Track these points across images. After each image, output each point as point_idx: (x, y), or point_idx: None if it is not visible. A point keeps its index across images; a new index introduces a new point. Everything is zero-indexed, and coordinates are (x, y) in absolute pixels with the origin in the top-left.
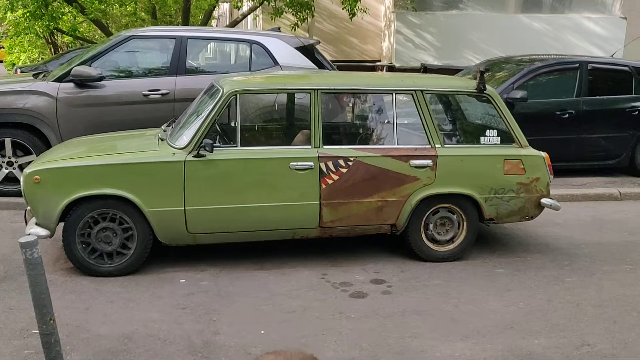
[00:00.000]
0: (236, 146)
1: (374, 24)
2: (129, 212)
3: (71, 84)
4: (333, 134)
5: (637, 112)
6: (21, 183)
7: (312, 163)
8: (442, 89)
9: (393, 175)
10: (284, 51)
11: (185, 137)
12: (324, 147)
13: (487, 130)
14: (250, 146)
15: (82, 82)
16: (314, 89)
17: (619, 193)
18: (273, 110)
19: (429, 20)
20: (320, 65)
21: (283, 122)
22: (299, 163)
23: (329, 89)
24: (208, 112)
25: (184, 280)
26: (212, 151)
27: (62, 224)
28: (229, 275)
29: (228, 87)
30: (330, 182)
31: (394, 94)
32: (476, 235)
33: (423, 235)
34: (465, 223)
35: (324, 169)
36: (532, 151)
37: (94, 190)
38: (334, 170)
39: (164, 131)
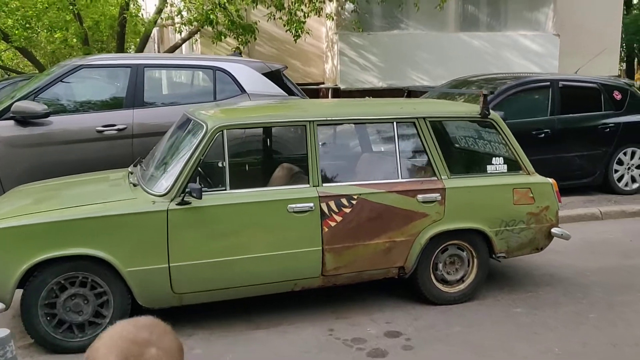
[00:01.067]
0: (225, 189)
1: (316, 45)
2: (103, 273)
3: (11, 122)
4: (331, 170)
5: (608, 129)
6: None
7: (312, 204)
8: (445, 115)
9: (400, 213)
10: (250, 77)
11: (165, 181)
12: (324, 185)
13: (494, 158)
14: (241, 188)
15: (25, 119)
16: (310, 121)
17: (599, 212)
18: (261, 145)
19: (371, 41)
20: (289, 91)
21: (275, 159)
22: (297, 205)
23: (326, 120)
24: (191, 151)
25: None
26: (200, 197)
27: (19, 291)
28: (223, 339)
29: (213, 122)
30: (332, 224)
31: (394, 123)
32: (487, 273)
33: (432, 276)
34: (475, 260)
35: (325, 210)
36: (539, 178)
37: (59, 251)
38: (337, 211)
39: (131, 173)
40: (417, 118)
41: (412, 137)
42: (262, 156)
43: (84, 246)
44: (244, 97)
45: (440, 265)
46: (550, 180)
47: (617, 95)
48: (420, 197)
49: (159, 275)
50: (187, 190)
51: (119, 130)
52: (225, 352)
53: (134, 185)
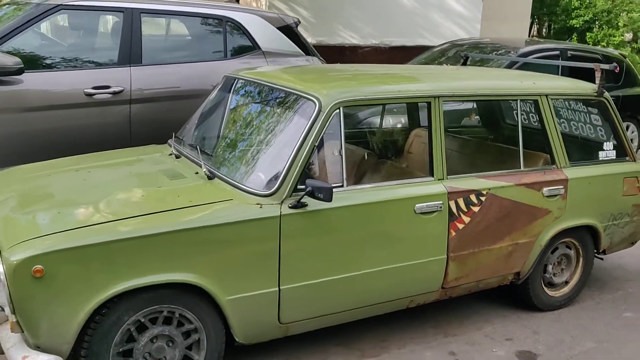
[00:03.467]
0: (341, 185)
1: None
2: (195, 305)
3: None
4: (451, 158)
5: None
6: (2, 277)
7: (440, 202)
8: (565, 92)
9: (525, 210)
10: (265, 32)
11: (263, 174)
12: (448, 178)
13: (605, 144)
14: (358, 184)
15: None
16: (435, 96)
17: None
18: (369, 126)
19: None
20: (306, 50)
21: (388, 143)
22: (425, 204)
23: (452, 95)
24: (302, 136)
25: None
26: (331, 199)
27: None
28: None
29: (328, 98)
30: (460, 226)
31: (518, 101)
32: (590, 273)
33: (541, 280)
34: (581, 259)
35: (453, 209)
36: None
37: (141, 278)
38: (465, 210)
39: (177, 156)
40: (539, 95)
41: (533, 117)
42: (372, 140)
43: (171, 270)
44: (258, 55)
45: (550, 267)
46: None
47: (617, 69)
48: (545, 190)
49: (266, 302)
50: (307, 189)
51: (114, 93)
52: None
53: (209, 177)
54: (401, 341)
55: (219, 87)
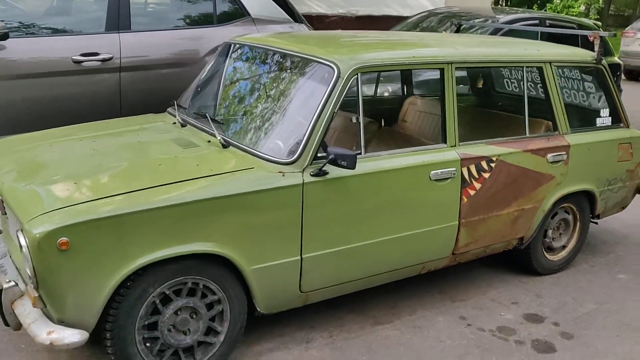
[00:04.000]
0: (359, 153)
1: None
2: (219, 276)
3: None
4: (461, 125)
5: None
6: (24, 250)
7: (454, 169)
8: (566, 60)
9: (532, 176)
10: None
11: (282, 142)
12: (460, 144)
13: (601, 110)
14: (376, 151)
15: None
16: (448, 62)
17: None
18: (385, 93)
19: None
20: (294, 17)
21: (386, 111)
22: (440, 171)
23: (465, 62)
24: (321, 102)
25: None
26: (354, 166)
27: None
28: (351, 342)
29: (346, 63)
30: (472, 193)
31: (524, 68)
32: (586, 237)
33: (541, 244)
34: (578, 224)
35: (466, 176)
36: (636, 132)
37: (169, 248)
38: (477, 177)
39: (183, 124)
40: (544, 62)
41: (537, 84)
42: (386, 105)
43: (197, 240)
44: (248, 22)
45: (550, 232)
46: None
47: (591, 38)
48: (549, 156)
49: (288, 271)
50: (330, 157)
51: (103, 60)
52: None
53: (223, 145)
54: (410, 307)
55: (220, 53)
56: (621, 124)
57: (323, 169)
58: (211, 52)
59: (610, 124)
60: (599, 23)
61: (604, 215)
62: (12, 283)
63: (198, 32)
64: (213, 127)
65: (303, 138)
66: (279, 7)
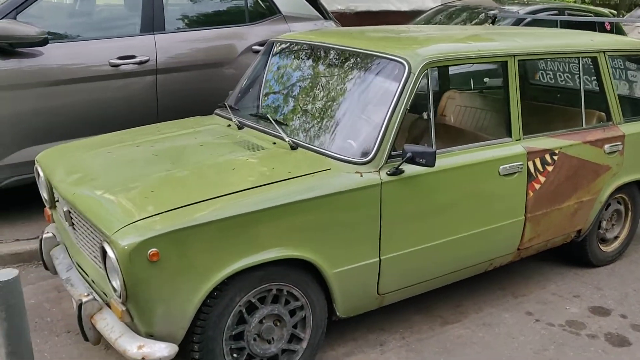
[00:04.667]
0: (431, 149)
1: None
2: (302, 282)
3: None
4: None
5: None
6: (112, 263)
7: (521, 163)
8: (619, 48)
9: (590, 168)
10: None
11: (354, 142)
12: (524, 138)
13: None
14: (446, 147)
15: (13, 47)
16: (512, 55)
17: None
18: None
19: None
20: (323, 14)
21: (469, 104)
22: (508, 165)
23: (527, 54)
24: (393, 100)
25: None
26: (434, 164)
27: None
28: (425, 342)
29: (417, 59)
30: (537, 186)
31: (580, 58)
32: (637, 228)
33: (596, 236)
34: (630, 214)
35: (532, 169)
36: None
37: (257, 255)
38: (541, 170)
39: (239, 126)
40: (599, 52)
41: (592, 74)
42: (423, 101)
43: (283, 246)
44: (279, 20)
45: (604, 223)
46: None
47: (608, 26)
48: (607, 147)
49: (367, 273)
50: (407, 155)
51: (140, 63)
52: None
53: (292, 147)
54: (476, 305)
55: (266, 52)
56: None
57: (400, 167)
58: (245, 51)
59: None
60: (614, 12)
61: None
62: (91, 297)
63: (231, 31)
64: (279, 129)
65: (377, 137)
66: (309, 5)
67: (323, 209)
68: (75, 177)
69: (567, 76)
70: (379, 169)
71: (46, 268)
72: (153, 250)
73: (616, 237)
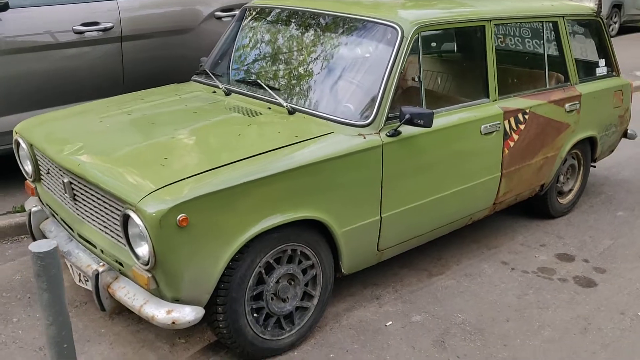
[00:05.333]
0: (429, 110)
1: None
2: (313, 241)
3: None
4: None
5: None
6: (140, 230)
7: (499, 122)
8: (575, 13)
9: (554, 126)
10: None
11: (352, 105)
12: (499, 99)
13: (600, 60)
14: (434, 108)
15: None
16: (488, 20)
17: None
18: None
19: None
20: None
21: (447, 67)
22: (488, 124)
23: (503, 18)
24: (389, 64)
25: (390, 323)
26: (431, 124)
27: None
28: (416, 294)
29: (409, 24)
30: (511, 144)
31: (544, 23)
32: (587, 180)
33: (554, 189)
34: (582, 168)
35: (507, 128)
36: (624, 79)
37: (276, 216)
38: (515, 129)
39: (227, 92)
40: (559, 17)
41: (553, 38)
42: (436, 64)
43: (299, 207)
44: None
45: (561, 177)
46: (628, 80)
47: None
48: (567, 106)
49: (370, 231)
50: (405, 116)
51: (104, 30)
52: (447, 310)
53: (289, 112)
54: (455, 257)
55: (244, 17)
56: (613, 73)
57: (398, 129)
58: (208, 17)
59: (605, 73)
60: None
61: (598, 159)
62: (107, 266)
63: None
64: (273, 94)
65: (376, 100)
66: None
67: (332, 171)
68: (73, 147)
69: (527, 41)
70: (379, 130)
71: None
72: (182, 215)
73: (570, 190)
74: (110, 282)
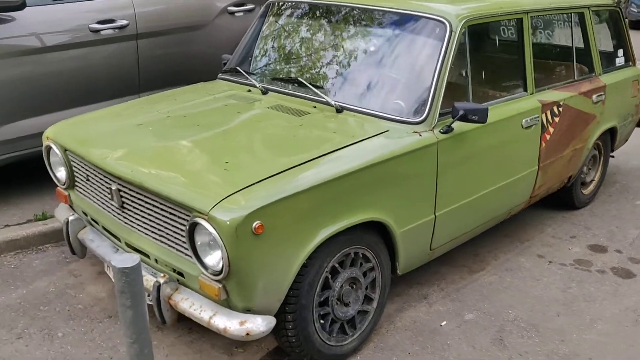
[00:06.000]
0: (484, 106)
1: None
2: (374, 243)
3: None
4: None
5: None
6: (219, 240)
7: (537, 115)
8: (598, 4)
9: (583, 117)
10: None
11: (403, 102)
12: (535, 92)
13: (618, 50)
14: (478, 103)
15: None
16: (526, 12)
17: None
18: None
19: None
20: None
21: (489, 61)
22: (529, 118)
23: (537, 11)
24: (439, 59)
25: (445, 322)
26: (486, 120)
27: None
28: (463, 291)
29: (457, 18)
30: (548, 137)
31: (572, 14)
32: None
33: (579, 180)
34: (602, 158)
35: (544, 121)
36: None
37: (343, 220)
38: (551, 122)
39: (264, 91)
40: (585, 8)
41: (579, 30)
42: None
43: (362, 209)
44: None
45: (584, 168)
46: None
47: None
48: (594, 97)
49: (425, 230)
50: (459, 112)
51: (120, 27)
52: (497, 307)
53: (337, 110)
54: (491, 252)
55: (269, 13)
56: (630, 63)
57: (451, 125)
58: (221, 12)
59: (623, 63)
60: None
61: (615, 149)
62: (167, 277)
63: None
64: (318, 92)
65: (429, 97)
66: None
67: (392, 170)
68: (119, 152)
69: (553, 32)
70: (432, 127)
71: (73, 252)
72: (258, 223)
73: (592, 181)
74: (171, 294)
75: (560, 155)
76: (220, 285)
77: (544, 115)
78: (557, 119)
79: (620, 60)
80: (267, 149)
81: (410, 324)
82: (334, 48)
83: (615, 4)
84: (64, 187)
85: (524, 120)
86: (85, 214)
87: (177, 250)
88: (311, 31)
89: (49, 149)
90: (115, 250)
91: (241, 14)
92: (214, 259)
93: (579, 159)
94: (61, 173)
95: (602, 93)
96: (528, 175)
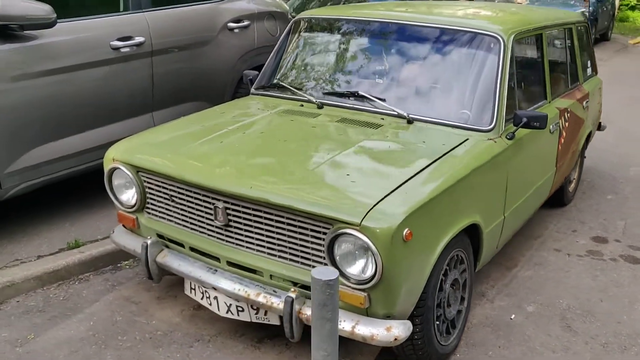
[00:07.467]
0: (544, 113)
1: None
2: (467, 245)
3: None
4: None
5: None
6: (375, 250)
7: (558, 121)
8: (576, 21)
9: (579, 122)
10: None
11: (469, 111)
12: (551, 100)
13: (588, 62)
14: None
15: (24, 28)
16: (544, 27)
17: None
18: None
19: None
20: None
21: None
22: (554, 123)
23: (550, 27)
24: (499, 71)
25: (514, 316)
26: (545, 126)
27: None
28: (512, 286)
29: (506, 33)
30: (562, 141)
31: (564, 29)
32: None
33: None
34: (580, 159)
35: (561, 126)
36: (599, 77)
37: (458, 224)
38: (564, 127)
39: (320, 106)
40: (573, 23)
41: (568, 43)
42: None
43: (466, 213)
44: None
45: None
46: None
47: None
48: (584, 103)
49: (497, 230)
50: (522, 120)
51: (138, 45)
52: (548, 298)
53: (408, 121)
54: (515, 249)
55: (301, 29)
56: (594, 73)
57: (515, 132)
58: (222, 28)
59: (590, 73)
60: None
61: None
62: (298, 292)
63: (208, 8)
64: (385, 105)
65: (494, 105)
66: None
67: (482, 175)
68: (223, 169)
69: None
70: (500, 134)
71: (150, 277)
72: (407, 230)
73: (573, 179)
74: (300, 308)
75: (567, 157)
76: (365, 294)
77: (561, 121)
78: (567, 124)
79: (589, 71)
80: (373, 161)
81: (484, 320)
82: (390, 62)
83: (585, 19)
84: (132, 210)
85: (551, 126)
86: (161, 237)
87: (302, 263)
88: (362, 47)
89: (113, 170)
90: (214, 272)
91: (237, 30)
92: (357, 268)
93: (574, 160)
94: (128, 195)
95: (587, 100)
96: (550, 176)
